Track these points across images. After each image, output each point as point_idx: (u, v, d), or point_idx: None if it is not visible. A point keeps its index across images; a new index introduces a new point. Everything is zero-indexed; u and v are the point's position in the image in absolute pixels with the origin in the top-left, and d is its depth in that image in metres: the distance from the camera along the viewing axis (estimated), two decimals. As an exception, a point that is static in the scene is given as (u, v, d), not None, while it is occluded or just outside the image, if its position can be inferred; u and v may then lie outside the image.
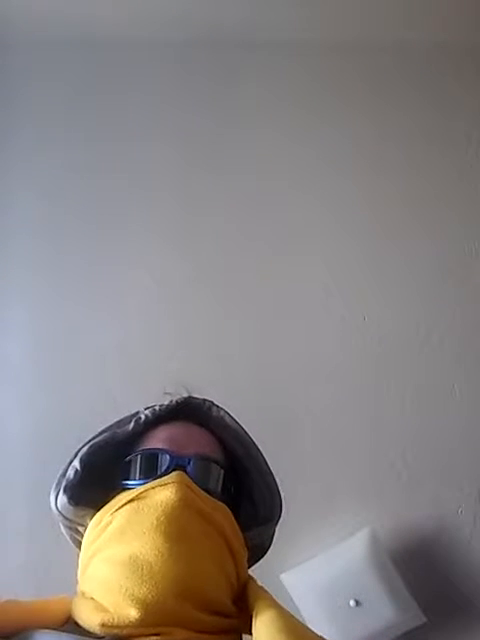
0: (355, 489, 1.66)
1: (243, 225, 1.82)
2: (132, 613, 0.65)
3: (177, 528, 0.70)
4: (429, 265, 1.80)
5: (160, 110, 1.88)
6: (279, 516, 0.84)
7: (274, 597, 0.73)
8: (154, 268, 1.80)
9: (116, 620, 0.65)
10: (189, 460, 0.76)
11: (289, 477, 1.58)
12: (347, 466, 1.68)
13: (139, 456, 0.78)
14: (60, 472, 0.81)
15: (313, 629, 0.70)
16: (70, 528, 0.81)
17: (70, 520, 0.79)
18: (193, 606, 0.68)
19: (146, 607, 0.65)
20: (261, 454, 0.85)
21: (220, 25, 1.83)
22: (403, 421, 1.71)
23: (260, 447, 0.87)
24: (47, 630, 0.67)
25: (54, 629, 0.67)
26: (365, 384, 1.73)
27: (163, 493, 0.72)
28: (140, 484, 0.75)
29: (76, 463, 0.79)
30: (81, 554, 0.77)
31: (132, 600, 0.66)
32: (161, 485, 0.73)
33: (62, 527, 0.82)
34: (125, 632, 0.65)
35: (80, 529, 0.79)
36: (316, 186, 1.85)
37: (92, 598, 0.70)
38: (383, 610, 1.50)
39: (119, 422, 0.84)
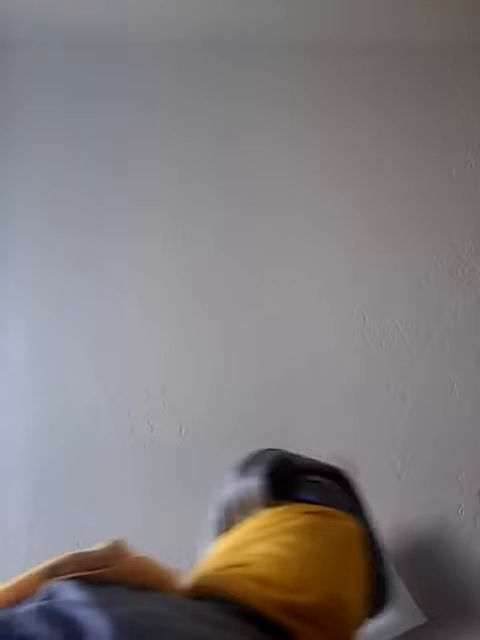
0: (355, 489, 1.66)
1: (243, 225, 1.82)
2: (309, 598, 0.62)
3: (354, 557, 0.72)
4: (429, 265, 1.80)
5: (160, 110, 1.88)
6: None
7: None
8: (154, 268, 1.80)
9: (297, 602, 0.61)
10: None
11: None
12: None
13: (334, 485, 0.83)
14: (251, 457, 0.84)
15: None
16: (235, 513, 0.80)
17: (250, 506, 0.78)
18: (339, 632, 0.66)
19: (323, 599, 0.63)
20: None
21: (220, 25, 1.83)
22: (403, 421, 1.71)
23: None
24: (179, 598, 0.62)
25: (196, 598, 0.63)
26: (365, 384, 1.74)
27: (350, 522, 0.75)
28: (309, 500, 0.78)
29: (275, 459, 0.82)
30: (236, 535, 0.75)
31: (313, 587, 0.64)
32: (346, 518, 0.76)
33: (232, 506, 0.81)
34: (290, 623, 0.60)
35: (238, 517, 0.79)
36: (316, 186, 1.85)
37: (253, 576, 0.65)
38: (383, 610, 1.50)
39: (291, 453, 0.89)
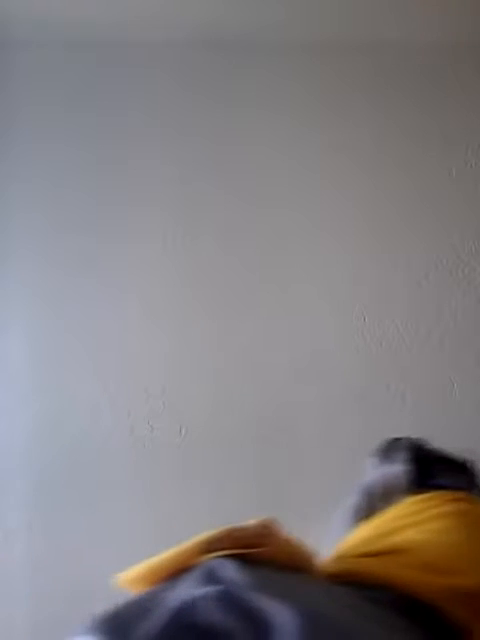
0: (355, 489, 1.66)
1: (242, 225, 1.82)
2: (468, 581, 0.63)
3: None
4: (429, 265, 1.80)
5: (160, 110, 1.88)
6: None
7: None
8: (154, 268, 1.80)
9: (457, 585, 0.62)
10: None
11: (289, 478, 1.58)
12: (347, 466, 1.68)
13: (466, 473, 0.85)
14: (389, 444, 0.89)
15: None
16: (378, 499, 0.81)
17: (394, 492, 0.80)
18: None
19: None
20: None
21: (220, 25, 1.83)
22: (403, 421, 1.71)
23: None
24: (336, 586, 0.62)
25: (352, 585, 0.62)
26: (365, 384, 1.73)
27: None
28: (449, 486, 0.80)
29: (414, 446, 0.85)
30: (379, 521, 0.76)
31: (469, 572, 0.64)
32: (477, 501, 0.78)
33: (375, 492, 0.83)
34: (456, 609, 0.60)
35: (380, 504, 0.80)
36: (315, 186, 1.85)
37: (409, 564, 0.65)
38: (383, 610, 1.50)
39: (423, 441, 0.93)
